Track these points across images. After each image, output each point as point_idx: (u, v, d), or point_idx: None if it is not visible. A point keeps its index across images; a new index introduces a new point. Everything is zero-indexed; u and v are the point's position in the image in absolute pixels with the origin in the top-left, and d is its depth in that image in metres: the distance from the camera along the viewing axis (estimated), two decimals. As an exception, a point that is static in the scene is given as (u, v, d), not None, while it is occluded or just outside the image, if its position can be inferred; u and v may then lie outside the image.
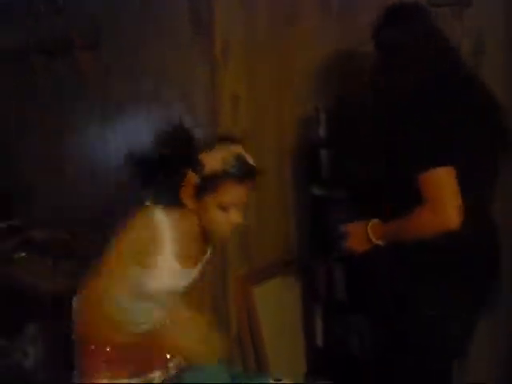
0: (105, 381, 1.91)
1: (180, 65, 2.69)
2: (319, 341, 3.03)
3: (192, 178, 1.74)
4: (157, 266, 1.81)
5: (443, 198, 1.84)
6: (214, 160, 1.73)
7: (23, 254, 3.31)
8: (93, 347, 1.91)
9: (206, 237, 1.92)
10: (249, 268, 2.87)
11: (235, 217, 1.77)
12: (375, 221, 2.02)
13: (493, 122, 2.10)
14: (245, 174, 1.75)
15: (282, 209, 3.01)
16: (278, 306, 3.00)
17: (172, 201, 1.80)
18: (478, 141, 2.00)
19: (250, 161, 1.79)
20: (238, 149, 1.78)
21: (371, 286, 2.68)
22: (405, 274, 2.08)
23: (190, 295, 2.01)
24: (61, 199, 3.49)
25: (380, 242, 2.01)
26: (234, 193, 1.74)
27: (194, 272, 1.96)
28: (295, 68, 2.87)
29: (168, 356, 2.02)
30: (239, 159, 1.75)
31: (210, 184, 1.73)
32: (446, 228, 1.86)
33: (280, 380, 2.08)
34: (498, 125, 2.10)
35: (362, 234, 2.06)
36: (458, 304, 2.03)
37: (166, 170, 1.77)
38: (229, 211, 1.76)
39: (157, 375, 1.99)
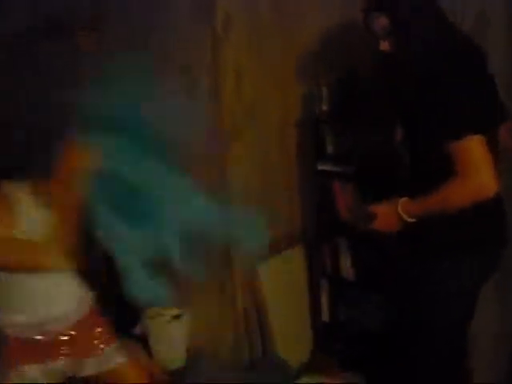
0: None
1: (181, 39, 2.65)
2: (325, 317, 3.02)
3: None
4: None
5: (480, 165, 1.81)
6: None
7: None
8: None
9: None
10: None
11: None
12: (404, 199, 1.97)
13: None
14: None
15: (287, 184, 2.99)
16: (283, 282, 2.98)
17: None
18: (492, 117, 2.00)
19: None
20: None
21: (380, 264, 2.66)
22: (425, 251, 2.04)
23: None
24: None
25: (412, 220, 1.97)
26: None
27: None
28: (298, 41, 2.83)
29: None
30: None
31: None
32: (484, 195, 1.83)
33: None
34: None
35: (391, 214, 1.99)
36: (475, 276, 2.02)
37: None
38: None
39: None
